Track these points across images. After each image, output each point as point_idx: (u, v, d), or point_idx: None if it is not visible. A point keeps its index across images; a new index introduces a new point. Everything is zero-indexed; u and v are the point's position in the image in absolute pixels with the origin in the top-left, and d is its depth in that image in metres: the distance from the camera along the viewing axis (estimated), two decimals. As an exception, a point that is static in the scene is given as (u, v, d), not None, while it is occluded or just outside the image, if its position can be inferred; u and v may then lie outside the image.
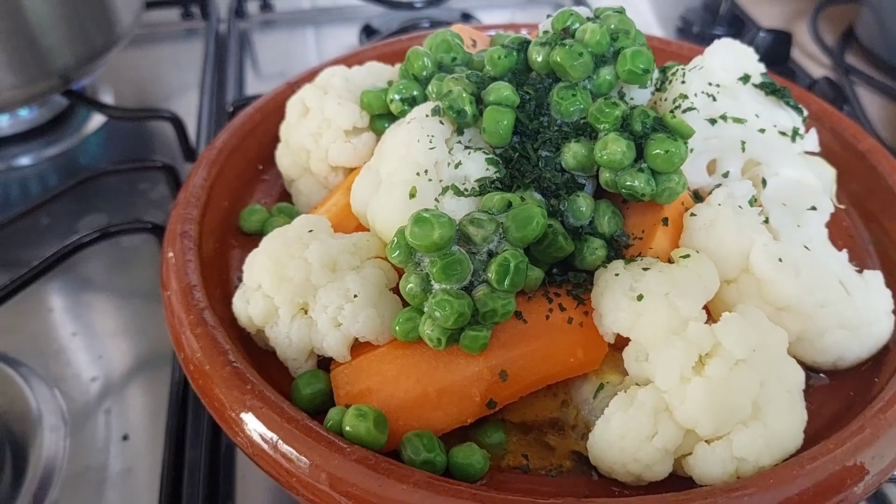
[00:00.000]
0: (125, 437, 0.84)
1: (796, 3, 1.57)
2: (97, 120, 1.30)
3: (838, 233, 0.78)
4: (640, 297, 0.57)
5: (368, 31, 1.42)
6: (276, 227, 0.71)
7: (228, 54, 1.45)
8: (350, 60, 0.86)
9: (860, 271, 0.66)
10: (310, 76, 0.83)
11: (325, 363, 0.64)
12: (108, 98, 1.36)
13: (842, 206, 0.77)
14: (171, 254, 0.68)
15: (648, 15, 1.53)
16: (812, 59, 1.43)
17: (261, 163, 0.83)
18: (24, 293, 0.93)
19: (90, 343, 0.95)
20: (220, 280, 0.70)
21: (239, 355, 0.60)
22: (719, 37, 1.39)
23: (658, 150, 0.60)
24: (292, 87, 0.84)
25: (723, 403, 0.53)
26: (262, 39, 1.55)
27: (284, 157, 0.79)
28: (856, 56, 1.42)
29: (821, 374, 0.66)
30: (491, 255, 0.58)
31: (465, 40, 0.82)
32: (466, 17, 1.44)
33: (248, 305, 0.63)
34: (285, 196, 0.82)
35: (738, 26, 1.43)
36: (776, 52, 1.30)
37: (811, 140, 0.73)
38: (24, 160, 1.25)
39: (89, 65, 1.17)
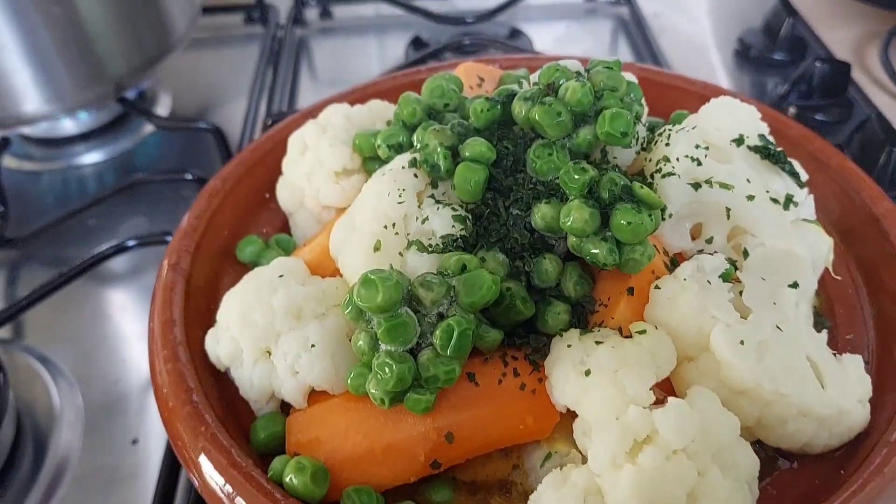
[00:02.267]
0: (134, 442, 0.89)
1: (871, 24, 1.48)
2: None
3: (840, 302, 0.74)
4: (587, 373, 0.57)
5: (417, 44, 1.43)
6: (269, 258, 0.74)
7: (282, 61, 1.48)
8: (354, 96, 0.87)
9: (839, 354, 0.63)
10: (319, 109, 0.84)
11: (287, 406, 0.67)
12: (166, 102, 1.42)
13: (838, 277, 0.73)
14: (160, 286, 0.71)
15: (707, 35, 1.48)
16: (880, 87, 1.35)
17: (268, 191, 0.85)
18: (60, 295, 0.99)
19: (116, 346, 1.00)
20: (207, 310, 0.73)
21: (202, 395, 0.63)
22: (778, 62, 1.37)
23: (622, 221, 0.59)
24: (305, 118, 0.86)
25: (654, 493, 0.52)
26: (320, 47, 1.58)
27: (283, 191, 0.81)
28: (932, 86, 1.34)
29: (793, 460, 0.63)
30: (441, 317, 0.58)
31: (472, 80, 0.82)
32: (515, 33, 1.43)
33: (217, 345, 0.66)
34: (287, 226, 0.85)
35: (799, 51, 1.36)
36: (833, 82, 1.23)
37: (808, 207, 0.69)
38: (86, 159, 1.32)
39: (143, 72, 1.23)
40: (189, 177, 1.10)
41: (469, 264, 0.59)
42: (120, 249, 0.98)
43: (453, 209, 0.64)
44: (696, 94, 0.90)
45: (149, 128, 1.37)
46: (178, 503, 0.81)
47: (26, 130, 1.31)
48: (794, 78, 1.24)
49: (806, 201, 0.69)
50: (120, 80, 1.20)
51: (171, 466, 0.83)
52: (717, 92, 0.87)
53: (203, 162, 1.25)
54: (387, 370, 0.56)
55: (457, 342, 0.57)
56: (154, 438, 0.89)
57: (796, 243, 0.66)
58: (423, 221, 0.64)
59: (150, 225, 1.15)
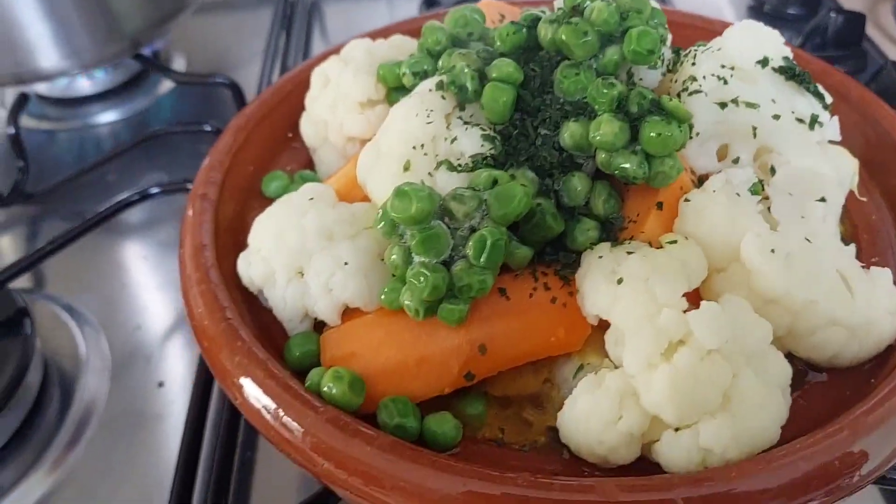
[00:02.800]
0: (160, 385, 0.90)
1: (884, -21, 1.48)
2: (168, 84, 1.37)
3: (864, 225, 0.75)
4: (620, 281, 0.57)
5: (430, 3, 1.42)
6: (293, 193, 0.74)
7: (295, 23, 1.48)
8: (379, 34, 0.88)
9: (867, 268, 0.63)
10: (338, 49, 0.85)
11: (321, 326, 0.67)
12: (180, 62, 1.42)
13: (863, 199, 0.73)
14: (189, 213, 0.72)
15: (720, -10, 1.48)
16: (894, 42, 1.35)
17: (290, 130, 0.86)
18: (86, 245, 1.00)
19: (137, 294, 1.02)
20: (236, 243, 0.73)
21: (236, 313, 0.64)
22: (792, 16, 1.37)
23: (652, 133, 0.60)
24: (325, 58, 0.86)
25: (689, 392, 0.53)
26: (331, 8, 1.58)
27: (307, 127, 0.81)
28: (945, 40, 1.34)
29: (821, 372, 0.64)
30: (473, 231, 0.59)
31: (493, 16, 0.82)
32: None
33: (249, 267, 0.66)
34: (311, 163, 0.85)
35: (813, 5, 1.36)
36: (848, 33, 1.23)
37: (833, 128, 0.70)
38: (101, 119, 1.33)
39: (159, 28, 1.23)
40: (208, 128, 1.10)
41: (500, 179, 0.60)
42: (143, 196, 0.99)
43: (482, 129, 0.65)
44: (715, 33, 0.89)
45: (163, 88, 1.38)
46: (207, 440, 0.82)
47: (42, 89, 1.32)
48: (808, 29, 1.25)
49: (830, 123, 0.70)
50: (136, 36, 1.21)
51: (201, 403, 0.84)
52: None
53: (218, 120, 1.26)
54: (421, 279, 0.57)
55: (490, 252, 0.57)
56: (179, 380, 0.90)
57: (822, 162, 0.66)
58: (451, 142, 0.64)
59: (168, 178, 1.16)
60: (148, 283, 1.04)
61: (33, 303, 0.95)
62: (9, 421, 0.83)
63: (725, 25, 0.88)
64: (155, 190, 0.99)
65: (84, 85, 1.33)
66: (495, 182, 0.60)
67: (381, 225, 0.60)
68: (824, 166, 0.66)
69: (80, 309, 0.99)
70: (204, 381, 0.86)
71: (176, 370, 0.91)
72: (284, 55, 1.42)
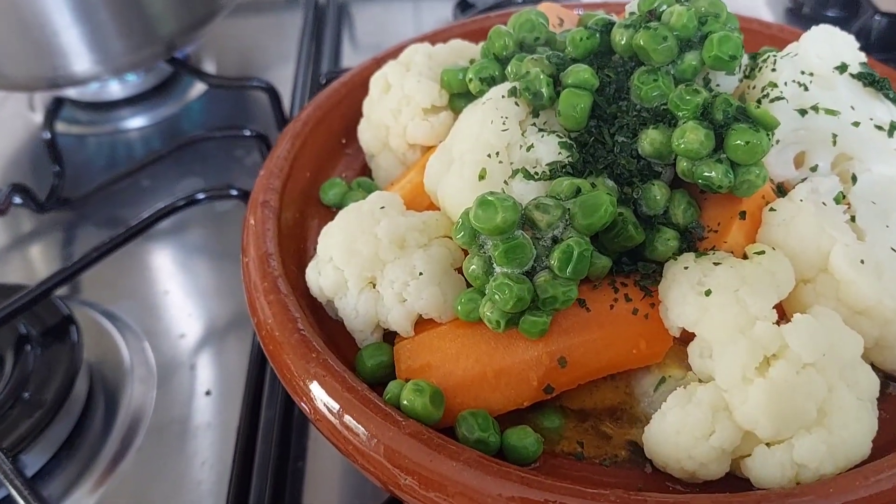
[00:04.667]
0: (208, 393, 0.88)
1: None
2: (199, 87, 1.36)
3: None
4: (707, 293, 0.56)
5: (464, 6, 1.41)
6: (354, 200, 0.73)
7: (326, 26, 1.47)
8: (436, 38, 0.86)
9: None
10: (395, 52, 0.84)
11: (390, 336, 0.66)
12: (210, 66, 1.41)
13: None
14: (252, 221, 0.71)
15: (757, -6, 1.47)
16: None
17: (344, 136, 0.85)
18: (123, 252, 0.99)
19: (181, 301, 1.00)
20: (297, 250, 0.72)
21: (307, 324, 0.62)
22: (831, 19, 1.35)
23: (738, 141, 0.58)
24: (378, 63, 0.85)
25: (785, 407, 0.52)
26: (360, 12, 1.57)
27: (366, 132, 0.80)
28: None
29: (902, 384, 0.63)
30: (556, 241, 0.58)
31: (552, 19, 0.81)
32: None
33: (319, 276, 0.65)
34: (366, 170, 0.84)
35: (853, 8, 1.35)
36: (891, 36, 1.22)
37: (913, 136, 0.68)
38: (132, 123, 1.32)
39: (192, 33, 1.22)
40: (248, 133, 1.09)
41: (583, 187, 0.59)
42: (190, 202, 0.98)
43: (558, 136, 0.63)
44: (773, 37, 0.89)
45: (194, 93, 1.36)
46: (258, 451, 0.80)
47: (74, 94, 1.31)
48: (852, 32, 1.23)
49: (910, 130, 0.68)
50: (170, 40, 1.20)
51: (252, 412, 0.83)
52: (795, 34, 0.86)
53: (253, 124, 1.25)
54: (506, 291, 0.55)
55: (576, 263, 0.56)
56: (228, 388, 0.89)
57: (902, 170, 0.65)
58: (527, 149, 0.63)
59: (205, 184, 1.14)
60: (188, 289, 1.03)
61: (74, 311, 0.94)
62: (58, 431, 0.82)
63: (784, 29, 0.88)
64: (201, 196, 0.97)
65: (115, 89, 1.32)
66: (578, 191, 0.58)
67: (460, 235, 0.58)
68: (905, 175, 0.64)
69: (121, 316, 0.97)
70: (254, 390, 0.85)
71: (223, 378, 0.90)
72: (316, 58, 1.41)
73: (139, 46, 1.17)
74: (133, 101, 1.34)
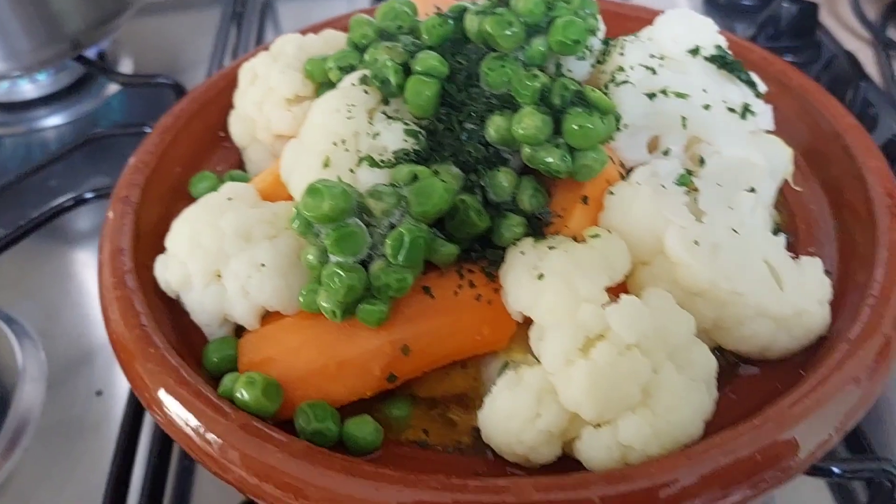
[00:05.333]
0: (99, 393, 0.87)
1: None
2: (116, 86, 1.34)
3: (802, 214, 0.74)
4: (541, 277, 0.56)
5: (383, 0, 1.40)
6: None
7: (247, 22, 1.46)
8: (311, 30, 0.86)
9: (797, 258, 0.62)
10: (269, 45, 0.83)
11: (241, 330, 0.65)
12: (127, 64, 1.40)
13: (798, 188, 0.72)
14: (110, 215, 0.70)
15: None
16: (850, 32, 1.35)
17: (222, 129, 0.84)
18: (20, 251, 0.98)
19: (79, 302, 0.99)
20: (159, 246, 0.71)
21: (152, 320, 0.62)
22: (748, 7, 1.36)
23: (574, 126, 0.58)
24: (257, 53, 0.84)
25: (607, 388, 0.51)
26: (284, 6, 1.56)
27: (236, 125, 0.79)
28: (900, 30, 1.34)
29: (754, 365, 0.63)
30: (393, 228, 0.57)
31: (428, 9, 0.81)
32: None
33: (166, 270, 0.64)
34: (242, 163, 0.83)
35: (767, -4, 1.36)
36: (801, 23, 1.22)
37: (766, 118, 0.69)
38: (47, 122, 1.30)
39: (100, 29, 1.21)
40: (148, 130, 1.07)
41: (420, 174, 0.58)
42: (79, 202, 0.97)
43: (405, 124, 0.63)
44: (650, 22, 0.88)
45: (110, 90, 1.35)
46: (143, 447, 0.80)
47: (-17, 94, 1.29)
48: (762, 20, 1.24)
49: (763, 112, 0.69)
50: (77, 37, 1.18)
51: (135, 412, 0.82)
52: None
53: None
54: (336, 280, 0.55)
55: (408, 249, 0.56)
56: (118, 389, 0.88)
57: (753, 151, 0.65)
58: (374, 137, 0.63)
59: (112, 182, 1.13)
60: (90, 290, 1.02)
61: (-33, 312, 0.92)
62: (-57, 432, 0.81)
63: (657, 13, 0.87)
64: (90, 195, 0.96)
65: (27, 89, 1.30)
66: (415, 178, 0.58)
67: (295, 224, 0.58)
68: (756, 156, 0.64)
69: (17, 318, 0.96)
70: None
71: (115, 379, 0.89)
72: (235, 55, 1.39)
73: (44, 44, 1.16)
74: (48, 100, 1.32)
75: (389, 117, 0.64)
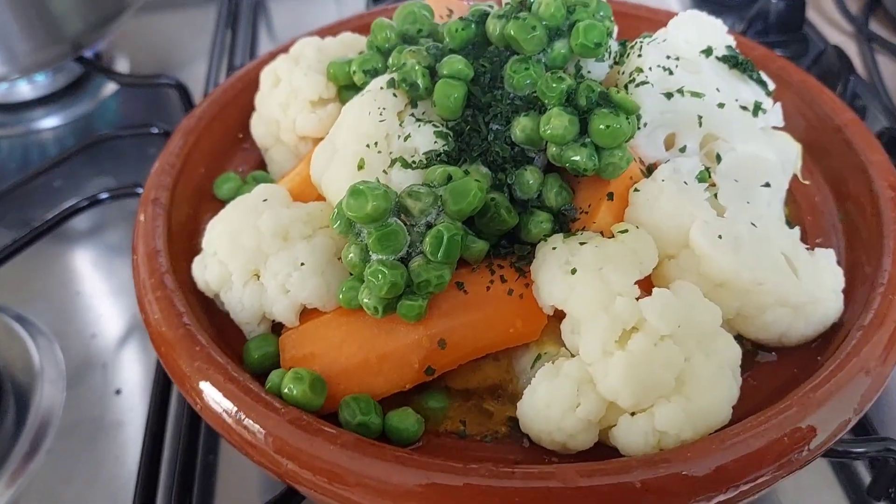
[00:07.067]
0: (118, 392, 0.88)
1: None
2: (113, 86, 1.34)
3: (807, 206, 0.77)
4: (573, 271, 0.59)
5: (378, -1, 1.42)
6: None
7: (241, 21, 1.47)
8: (327, 32, 0.87)
9: (811, 249, 0.65)
10: (287, 47, 0.84)
11: (279, 328, 0.67)
12: (124, 65, 1.40)
13: (806, 182, 0.76)
14: (142, 218, 0.71)
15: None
16: (834, 27, 1.39)
17: (241, 131, 0.85)
18: (34, 254, 0.98)
19: (92, 301, 1.00)
20: (190, 246, 0.73)
21: (194, 318, 0.63)
22: (736, 3, 1.39)
23: (601, 126, 0.61)
24: (273, 57, 0.86)
25: (644, 377, 0.54)
26: (277, 6, 1.57)
27: (258, 127, 0.81)
28: (881, 24, 1.38)
29: (770, 352, 0.66)
30: (429, 227, 0.60)
31: (441, 10, 0.83)
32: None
33: (205, 270, 0.66)
34: (263, 164, 0.85)
35: (756, -9, 1.39)
36: (789, 18, 1.26)
37: (776, 115, 0.72)
38: (43, 124, 1.30)
39: (99, 31, 1.21)
40: (155, 130, 1.09)
41: (454, 174, 0.61)
42: (93, 202, 0.97)
43: (434, 126, 0.65)
44: (660, 23, 0.91)
45: (107, 90, 1.35)
46: (168, 445, 0.81)
47: (-20, 95, 1.28)
48: (750, 15, 1.27)
49: (773, 109, 0.72)
50: (76, 39, 1.18)
51: (160, 409, 0.83)
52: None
53: (165, 122, 1.24)
54: (380, 277, 0.57)
55: (446, 247, 0.58)
56: (137, 387, 0.89)
57: (766, 147, 0.68)
58: (405, 139, 0.65)
59: (116, 183, 1.13)
60: (101, 290, 1.03)
61: (-19, 315, 0.93)
62: (-36, 436, 0.82)
63: (671, 15, 0.90)
64: (104, 195, 0.97)
65: (25, 89, 1.29)
66: (450, 178, 0.60)
67: (336, 224, 0.60)
68: (768, 152, 0.68)
69: (31, 319, 0.97)
70: (162, 387, 0.85)
71: (133, 377, 0.90)
72: (231, 54, 1.40)
73: (44, 45, 1.16)
74: (45, 101, 1.32)
75: (419, 119, 0.66)
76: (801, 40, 1.27)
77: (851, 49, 1.31)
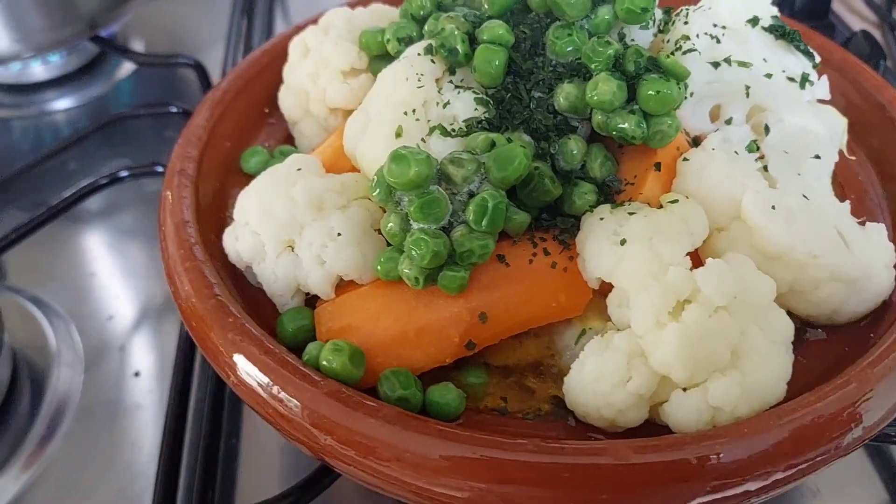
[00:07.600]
0: (137, 374, 0.87)
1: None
2: (128, 67, 1.32)
3: (851, 185, 0.75)
4: (622, 242, 0.56)
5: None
6: (276, 168, 0.72)
7: (257, 2, 1.45)
8: (357, 3, 0.85)
9: (863, 223, 0.63)
10: (316, 19, 0.82)
11: (312, 301, 0.65)
12: (138, 46, 1.38)
13: (852, 157, 0.73)
14: (168, 191, 0.69)
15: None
16: (856, 14, 1.37)
17: (267, 106, 0.83)
18: (50, 235, 0.96)
19: (108, 283, 0.98)
20: (217, 219, 0.71)
21: (225, 289, 0.61)
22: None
23: (650, 91, 0.59)
24: (299, 30, 0.84)
25: (698, 350, 0.52)
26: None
27: (286, 99, 0.79)
28: (905, 12, 1.36)
29: (818, 329, 0.64)
30: (472, 195, 0.57)
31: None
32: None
33: (236, 241, 0.64)
34: (290, 139, 0.83)
35: (781, -24, 1.37)
36: (816, 5, 1.24)
37: (822, 87, 0.70)
38: (58, 105, 1.28)
39: (115, 10, 1.19)
40: (174, 109, 1.06)
41: (498, 141, 0.58)
42: (113, 180, 0.95)
43: (474, 92, 0.63)
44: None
45: (122, 73, 1.33)
46: (189, 429, 0.79)
47: (-7, 75, 1.26)
48: (776, 1, 1.25)
49: (820, 82, 0.70)
50: (92, 17, 1.16)
51: (181, 391, 0.81)
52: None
53: (184, 102, 1.22)
54: (422, 246, 0.55)
55: (491, 215, 0.56)
56: (156, 369, 0.87)
57: (814, 120, 0.66)
58: (443, 106, 0.62)
59: (132, 163, 1.11)
60: (117, 271, 1.01)
61: (-1, 295, 0.91)
62: (-22, 418, 0.80)
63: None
64: (124, 173, 0.95)
65: (39, 70, 1.27)
66: (493, 145, 0.58)
67: (376, 192, 0.58)
68: (817, 124, 0.65)
69: (47, 300, 0.95)
70: (184, 369, 0.83)
71: (152, 359, 0.88)
72: (248, 37, 1.38)
73: (60, 24, 1.14)
74: (59, 83, 1.30)
75: (457, 87, 0.64)
76: (828, 27, 1.25)
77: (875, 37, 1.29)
